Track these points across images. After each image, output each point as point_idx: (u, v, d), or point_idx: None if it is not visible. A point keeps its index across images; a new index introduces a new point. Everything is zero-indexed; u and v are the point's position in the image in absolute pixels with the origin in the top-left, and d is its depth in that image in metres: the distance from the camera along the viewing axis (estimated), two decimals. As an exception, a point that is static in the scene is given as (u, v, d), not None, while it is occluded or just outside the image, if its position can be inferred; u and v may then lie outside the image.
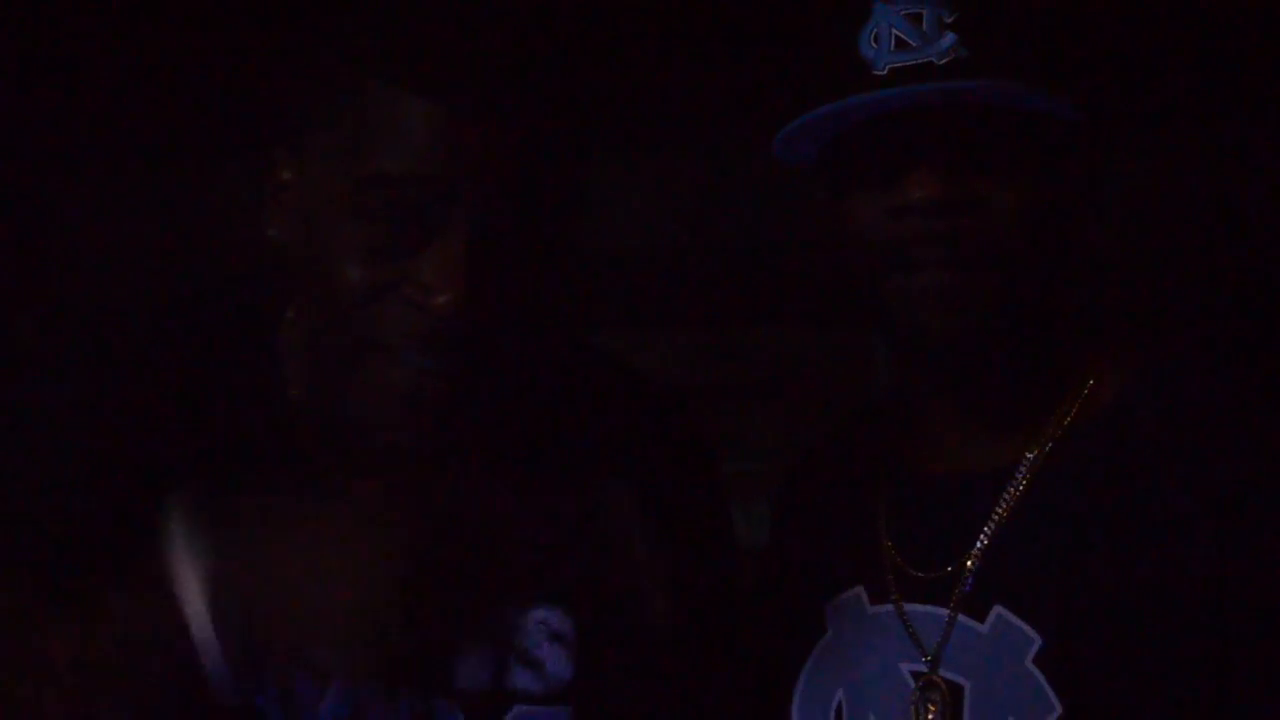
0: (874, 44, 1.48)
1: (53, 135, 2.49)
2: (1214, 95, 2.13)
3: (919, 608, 1.56)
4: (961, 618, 1.52)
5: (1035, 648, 1.47)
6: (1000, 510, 1.54)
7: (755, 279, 2.42)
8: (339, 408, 1.45)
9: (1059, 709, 1.45)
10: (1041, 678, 1.46)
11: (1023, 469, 1.54)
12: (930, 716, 1.52)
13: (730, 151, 2.36)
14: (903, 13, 1.46)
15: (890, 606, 1.58)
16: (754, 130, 1.58)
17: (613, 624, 1.52)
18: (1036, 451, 1.54)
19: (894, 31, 1.47)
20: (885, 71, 1.46)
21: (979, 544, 1.53)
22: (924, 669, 1.54)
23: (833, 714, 1.60)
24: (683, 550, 1.58)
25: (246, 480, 1.47)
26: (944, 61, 1.45)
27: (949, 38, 1.45)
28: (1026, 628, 1.48)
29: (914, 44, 1.46)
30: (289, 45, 1.47)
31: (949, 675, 1.52)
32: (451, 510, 1.51)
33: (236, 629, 1.44)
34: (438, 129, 1.33)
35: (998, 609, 1.50)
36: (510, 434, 1.54)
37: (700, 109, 2.37)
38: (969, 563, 1.53)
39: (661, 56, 2.35)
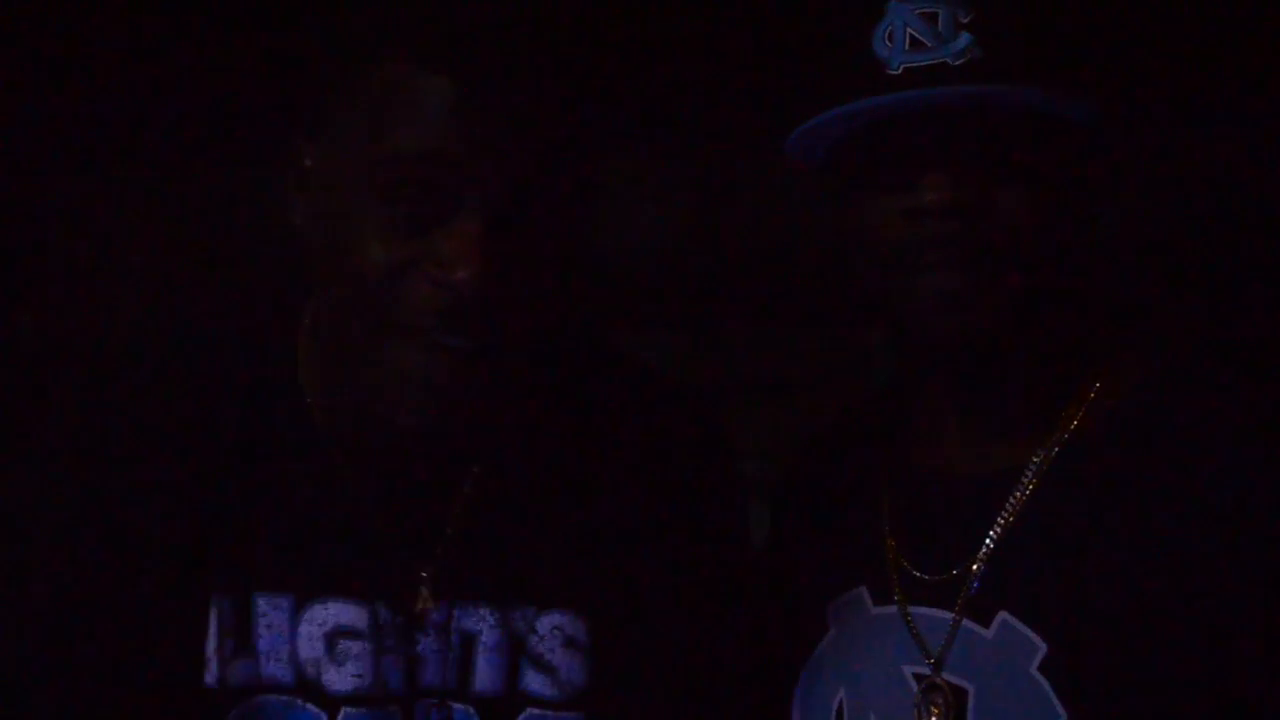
0: (888, 43, 1.47)
1: (63, 135, 2.47)
2: (1225, 98, 2.14)
3: (923, 610, 1.55)
4: (966, 622, 1.52)
5: (1040, 655, 1.46)
6: (1006, 514, 1.53)
7: (756, 279, 2.42)
8: (358, 401, 1.45)
9: (1064, 716, 1.44)
10: (1047, 685, 1.45)
11: (1029, 472, 1.53)
12: (933, 719, 1.52)
13: (733, 153, 2.36)
14: (918, 11, 1.46)
15: (894, 608, 1.57)
16: (756, 131, 1.58)
17: (629, 631, 1.51)
18: (1043, 455, 1.54)
19: (909, 30, 1.46)
20: (899, 71, 1.46)
21: (984, 548, 1.53)
22: (927, 671, 1.53)
23: (833, 714, 1.60)
24: (700, 554, 1.57)
25: (267, 486, 1.48)
26: (959, 62, 1.44)
27: (964, 38, 1.44)
28: (1032, 634, 1.47)
29: (929, 43, 1.45)
30: (303, 36, 1.47)
31: (952, 679, 1.52)
32: (467, 512, 1.50)
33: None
34: (452, 106, 1.34)
35: (1003, 615, 1.50)
36: (527, 434, 1.54)
37: (703, 110, 2.37)
38: (974, 566, 1.53)
39: (667, 57, 2.35)
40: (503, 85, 1.34)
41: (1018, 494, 1.53)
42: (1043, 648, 1.46)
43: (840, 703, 1.59)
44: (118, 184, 2.40)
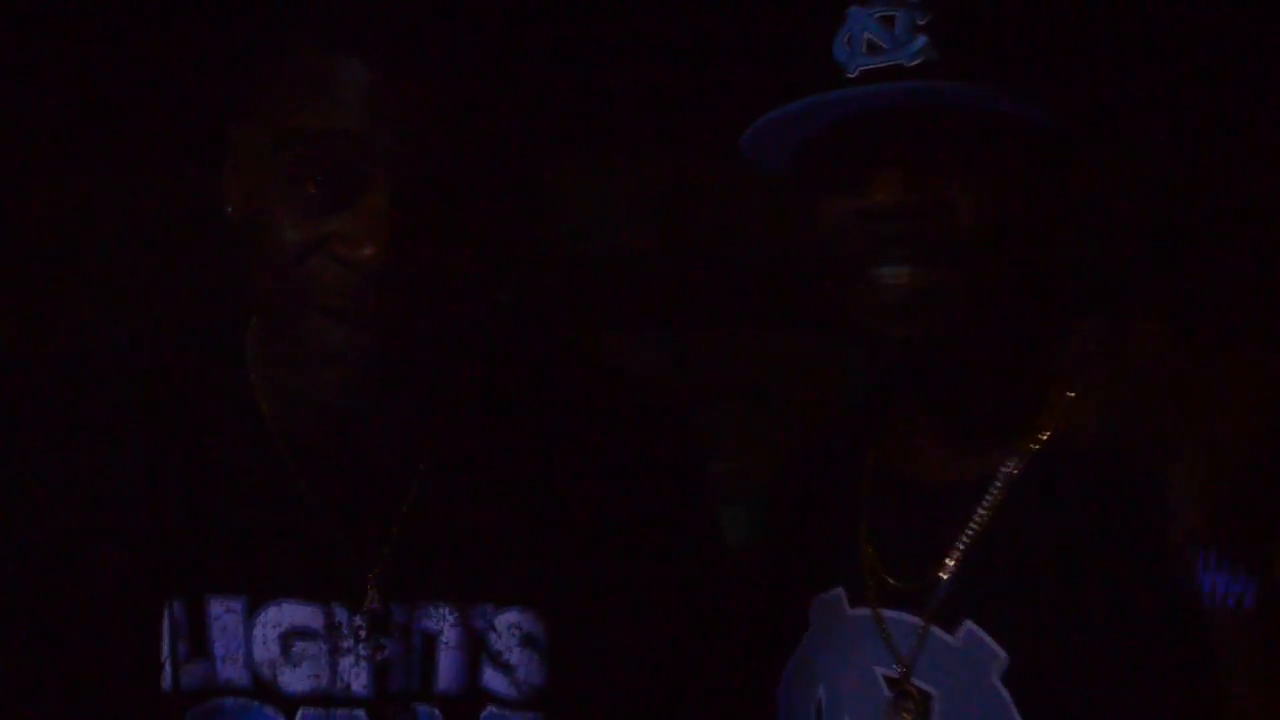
0: (847, 46, 1.47)
1: (42, 136, 2.45)
2: (1184, 100, 2.14)
3: (895, 614, 1.56)
4: (934, 629, 1.52)
5: (1002, 664, 1.46)
6: (975, 524, 1.53)
7: (734, 283, 2.43)
8: (294, 388, 1.45)
9: None
10: (1007, 695, 1.45)
11: (999, 482, 1.53)
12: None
13: (712, 159, 2.37)
14: (876, 16, 1.46)
15: (868, 610, 1.58)
16: (729, 137, 1.58)
17: (588, 631, 1.50)
18: (1013, 465, 1.53)
19: (866, 35, 1.46)
20: (856, 74, 1.45)
21: (954, 556, 1.53)
22: (897, 675, 1.53)
23: (813, 711, 1.61)
24: (663, 553, 1.56)
25: (218, 488, 1.48)
26: (914, 64, 1.44)
27: (920, 40, 1.44)
28: (994, 644, 1.47)
29: (886, 47, 1.45)
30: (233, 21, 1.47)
31: (920, 684, 1.52)
32: (415, 510, 1.50)
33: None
34: (359, 85, 1.34)
35: (968, 624, 1.49)
36: (478, 430, 1.54)
37: (676, 119, 2.38)
38: (943, 575, 1.53)
39: (647, 65, 2.35)
40: (407, 63, 1.33)
41: (986, 504, 1.53)
42: (1005, 658, 1.46)
43: (820, 700, 1.60)
44: (74, 185, 2.40)
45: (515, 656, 1.48)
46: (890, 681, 1.54)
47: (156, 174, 2.37)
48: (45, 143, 2.38)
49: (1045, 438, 1.53)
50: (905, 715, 1.52)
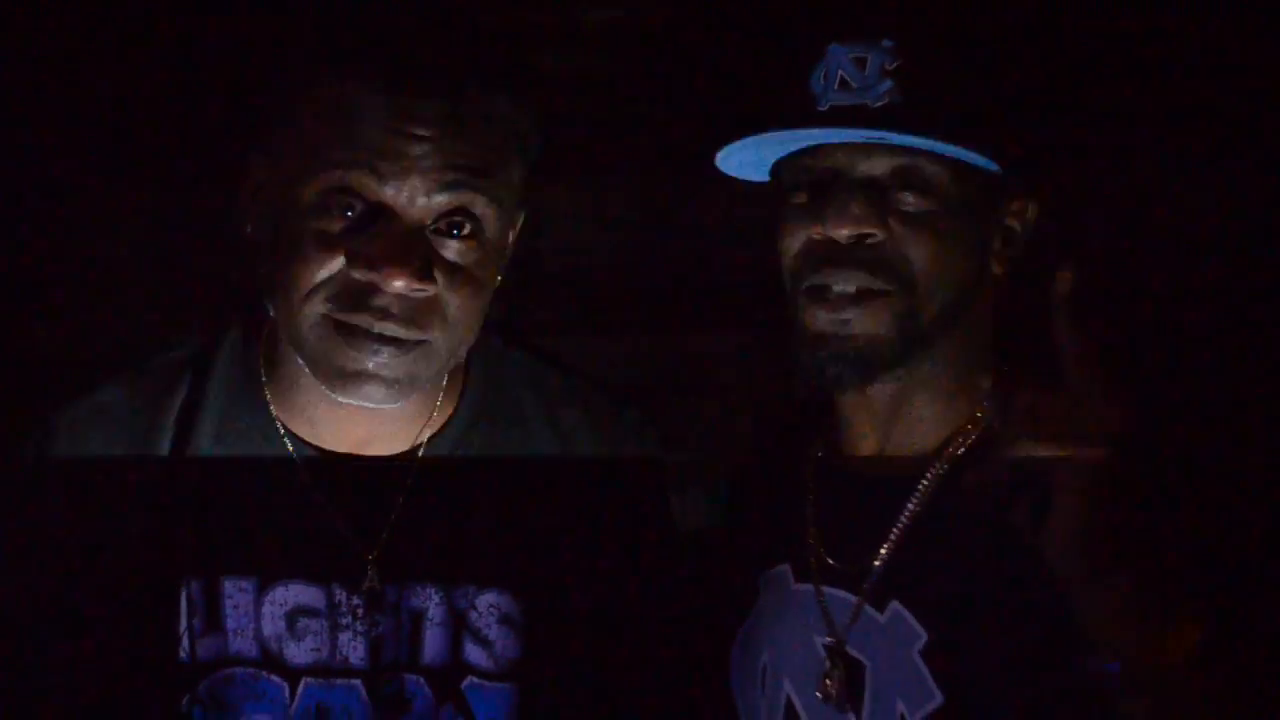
0: (822, 81, 1.58)
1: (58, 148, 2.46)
2: (1125, 148, 2.22)
3: (834, 591, 1.68)
4: (866, 606, 1.65)
5: (921, 642, 1.59)
6: (906, 517, 1.65)
7: (691, 292, 2.51)
8: (313, 396, 1.57)
9: (939, 698, 1.56)
10: (925, 669, 1.58)
11: (928, 478, 1.65)
12: (831, 685, 1.65)
13: (673, 180, 2.44)
14: (851, 56, 1.56)
15: (810, 586, 1.70)
16: (695, 160, 1.70)
17: (558, 610, 1.63)
18: (940, 467, 1.65)
19: (840, 72, 1.57)
20: (826, 108, 1.57)
21: (886, 545, 1.65)
22: (833, 645, 1.66)
23: (759, 673, 1.73)
24: (624, 540, 1.69)
25: (231, 481, 1.61)
26: (878, 105, 1.55)
27: (886, 84, 1.55)
28: (916, 623, 1.59)
29: (856, 86, 1.56)
30: (265, 54, 1.57)
31: (854, 653, 1.65)
32: (410, 502, 1.62)
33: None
34: (383, 124, 1.45)
35: (895, 604, 1.62)
36: (472, 430, 1.67)
37: (646, 145, 2.46)
38: (875, 562, 1.65)
39: (622, 98, 2.44)
40: (433, 106, 1.45)
41: (915, 500, 1.65)
42: (924, 636, 1.59)
43: (765, 664, 1.73)
44: (105, 200, 2.43)
45: (493, 633, 1.62)
46: (827, 650, 1.66)
47: (181, 190, 2.41)
48: (80, 159, 2.40)
49: (970, 443, 1.65)
50: (837, 679, 1.64)
